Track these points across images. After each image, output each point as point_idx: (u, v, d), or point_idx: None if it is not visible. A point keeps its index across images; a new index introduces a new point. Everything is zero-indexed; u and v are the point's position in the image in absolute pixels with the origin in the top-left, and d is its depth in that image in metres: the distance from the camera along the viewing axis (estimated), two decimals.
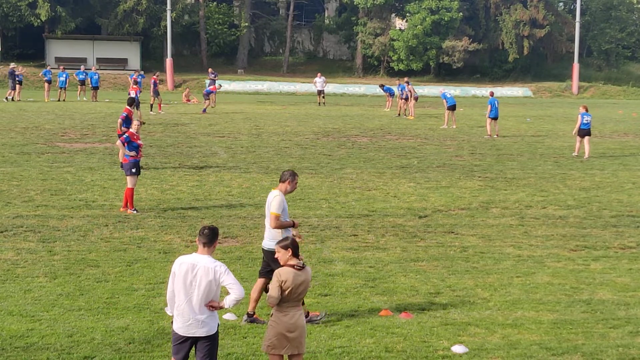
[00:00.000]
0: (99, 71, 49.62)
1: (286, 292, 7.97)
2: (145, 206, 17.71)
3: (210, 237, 7.87)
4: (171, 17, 58.90)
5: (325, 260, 13.91)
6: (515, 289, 12.54)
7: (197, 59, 67.44)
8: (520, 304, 11.80)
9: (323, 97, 49.28)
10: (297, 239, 8.82)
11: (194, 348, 7.92)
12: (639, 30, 76.83)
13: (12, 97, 43.64)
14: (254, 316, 10.66)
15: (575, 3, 68.67)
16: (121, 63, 61.70)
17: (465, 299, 11.98)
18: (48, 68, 50.19)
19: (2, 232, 15.16)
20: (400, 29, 68.49)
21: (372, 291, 12.20)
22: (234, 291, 7.72)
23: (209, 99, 41.56)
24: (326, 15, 75.80)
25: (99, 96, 47.02)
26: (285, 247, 8.19)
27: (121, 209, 17.17)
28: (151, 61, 62.96)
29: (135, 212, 16.95)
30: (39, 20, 58.69)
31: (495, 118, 33.25)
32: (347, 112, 43.27)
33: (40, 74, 48.84)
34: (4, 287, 11.85)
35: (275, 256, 8.33)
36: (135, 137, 17.37)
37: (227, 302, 7.76)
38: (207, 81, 49.39)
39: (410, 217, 17.55)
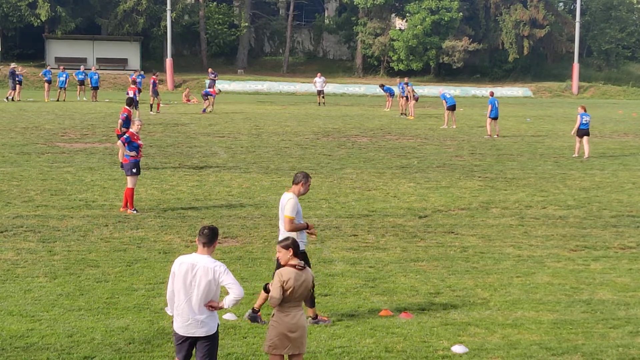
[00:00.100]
0: (99, 71, 49.59)
1: (288, 292, 7.98)
2: (145, 206, 17.71)
3: (210, 237, 7.87)
4: (171, 17, 58.90)
5: (325, 260, 13.91)
6: (515, 289, 12.54)
7: (197, 59, 67.43)
8: (520, 304, 11.80)
9: (323, 97, 49.28)
10: (312, 237, 8.74)
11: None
12: (639, 30, 76.83)
13: (12, 97, 43.63)
14: (258, 314, 10.60)
15: (575, 3, 68.66)
16: (121, 63, 61.69)
17: (465, 299, 11.97)
18: (48, 68, 50.17)
19: (2, 232, 15.15)
20: (400, 29, 68.49)
21: (372, 291, 12.19)
22: (234, 291, 7.73)
23: (207, 99, 41.55)
24: (326, 15, 75.80)
25: (98, 96, 47.02)
26: (286, 247, 8.21)
27: (121, 209, 17.17)
28: (151, 61, 62.92)
29: (135, 212, 16.95)
30: (39, 20, 58.70)
31: (495, 118, 33.27)
32: (347, 112, 43.27)
33: (40, 74, 48.83)
34: (4, 287, 11.85)
35: (277, 256, 8.34)
36: (135, 137, 17.37)
37: (227, 302, 7.77)
38: (207, 81, 49.38)
39: (410, 217, 17.55)
